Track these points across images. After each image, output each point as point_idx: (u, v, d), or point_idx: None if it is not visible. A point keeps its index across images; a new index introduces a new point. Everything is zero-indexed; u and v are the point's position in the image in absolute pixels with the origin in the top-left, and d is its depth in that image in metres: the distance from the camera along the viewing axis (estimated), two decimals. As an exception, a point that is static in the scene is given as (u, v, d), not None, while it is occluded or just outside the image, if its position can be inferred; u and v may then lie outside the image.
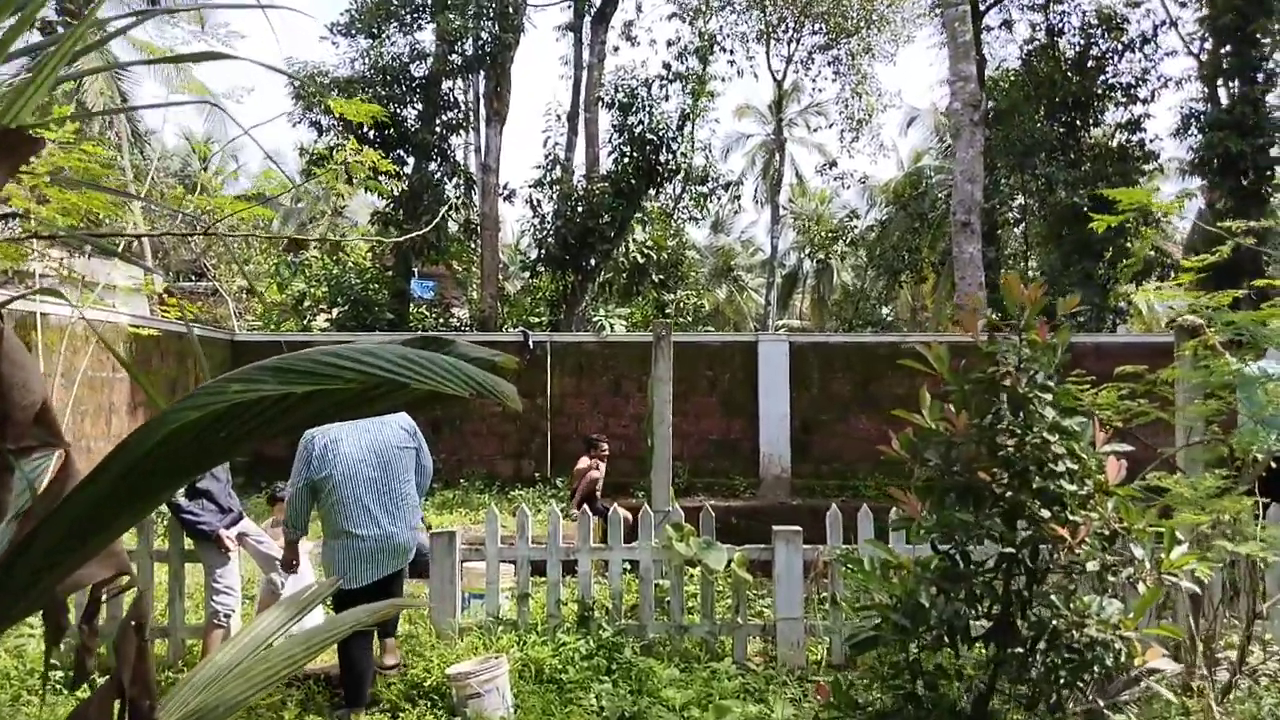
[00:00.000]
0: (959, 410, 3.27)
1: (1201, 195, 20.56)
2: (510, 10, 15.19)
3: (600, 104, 15.21)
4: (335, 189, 17.45)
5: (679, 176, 15.88)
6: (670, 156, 14.62)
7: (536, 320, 16.39)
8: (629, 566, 5.80)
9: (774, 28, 27.96)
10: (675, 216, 18.95)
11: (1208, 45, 19.76)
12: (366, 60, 15.80)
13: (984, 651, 3.29)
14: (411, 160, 16.31)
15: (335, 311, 16.14)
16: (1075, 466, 3.09)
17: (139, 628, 1.29)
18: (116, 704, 1.29)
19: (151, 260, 23.40)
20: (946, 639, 3.23)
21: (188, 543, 5.44)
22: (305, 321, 16.89)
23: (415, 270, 20.83)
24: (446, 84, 16.09)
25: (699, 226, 33.85)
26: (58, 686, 4.88)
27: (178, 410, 1.14)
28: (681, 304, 17.72)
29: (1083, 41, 20.52)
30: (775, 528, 5.45)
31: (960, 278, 13.62)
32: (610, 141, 15.01)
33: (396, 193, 14.21)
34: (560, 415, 13.01)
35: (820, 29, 27.98)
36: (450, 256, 17.05)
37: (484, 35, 15.12)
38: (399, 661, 5.12)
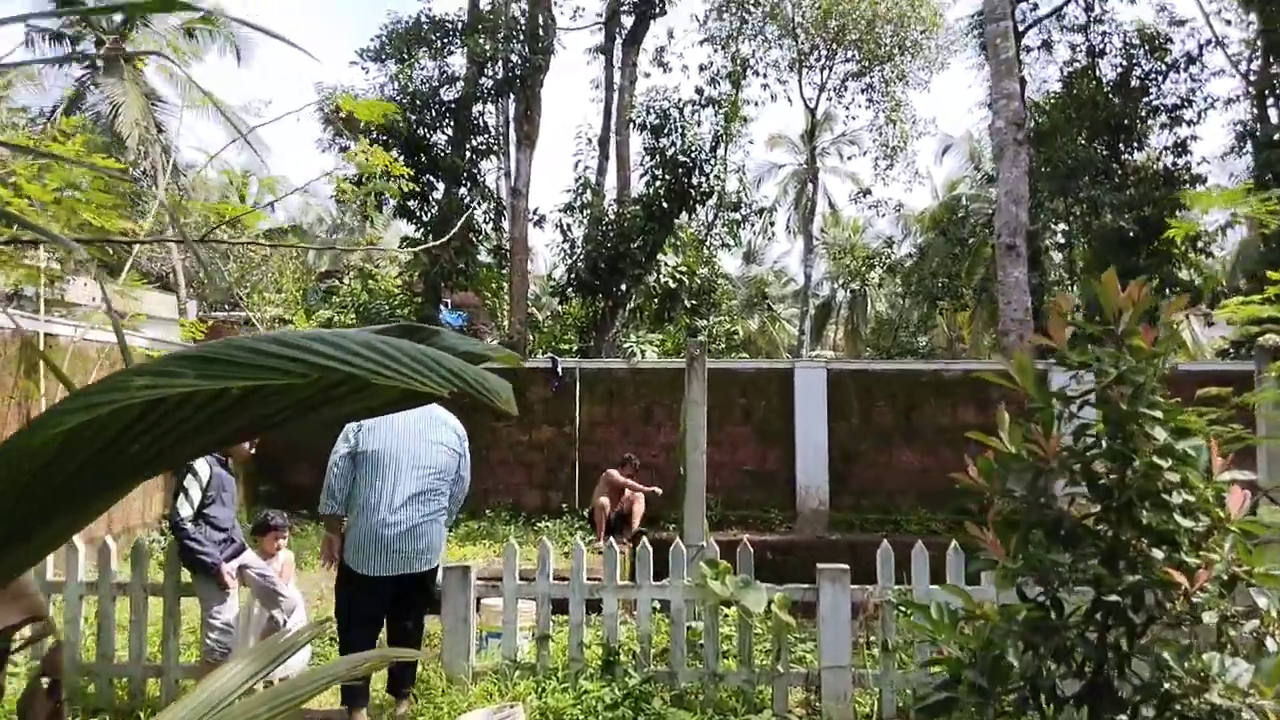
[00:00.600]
0: (1047, 432, 2.80)
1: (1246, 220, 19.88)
2: (540, 32, 14.97)
3: (631, 126, 14.90)
4: (366, 213, 17.22)
5: (712, 200, 15.52)
6: (703, 179, 14.26)
7: (566, 347, 16.02)
8: (658, 606, 5.32)
9: (806, 55, 27.70)
10: (708, 244, 18.56)
11: (1254, 64, 19.19)
12: (396, 84, 15.62)
13: (1076, 717, 2.79)
14: (441, 185, 16.08)
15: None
16: (1191, 498, 2.60)
17: (52, 687, 1.12)
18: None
19: (185, 291, 23.37)
20: (1032, 701, 2.75)
21: (185, 574, 5.06)
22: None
23: (447, 301, 20.60)
24: (476, 108, 15.87)
25: (731, 255, 33.52)
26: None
27: (57, 416, 0.78)
28: (714, 331, 17.28)
29: (1124, 63, 20.00)
30: (820, 565, 4.96)
31: (1005, 303, 13.08)
32: (642, 164, 14.68)
33: (413, 193, 13.93)
34: (589, 444, 12.58)
35: (853, 56, 27.69)
36: (479, 283, 16.75)
37: (514, 58, 14.89)
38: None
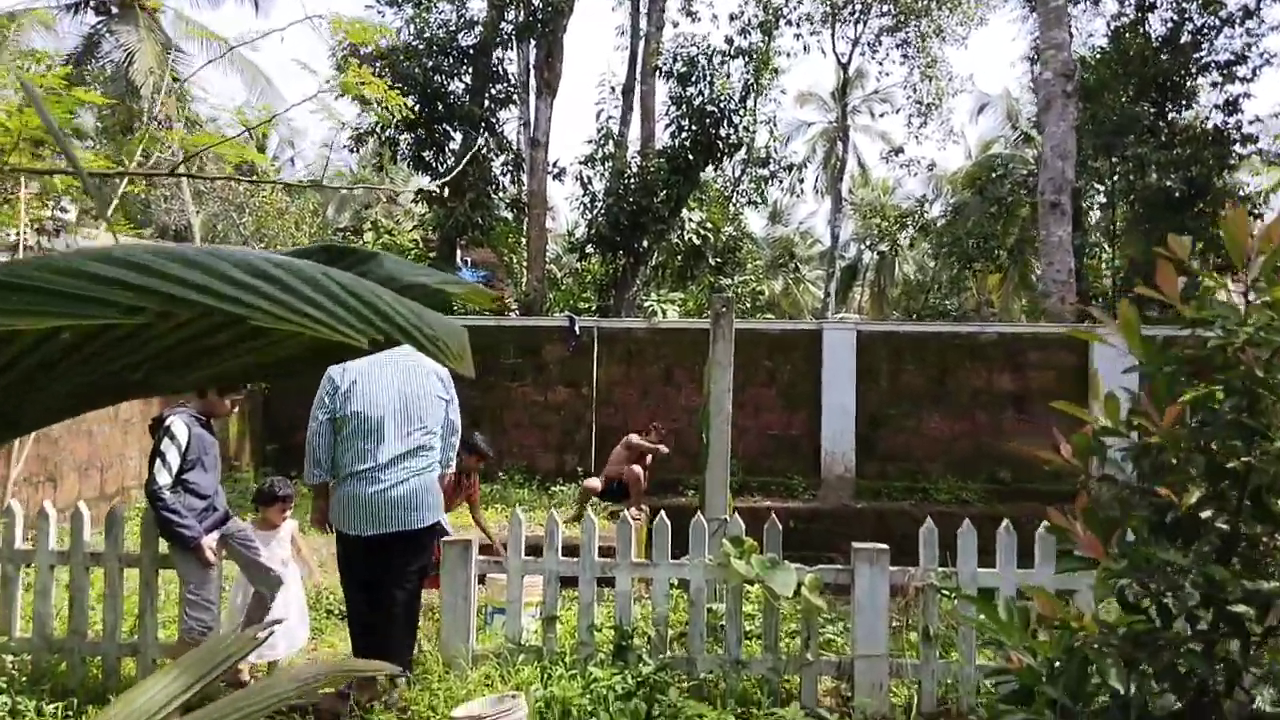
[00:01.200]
0: (1159, 403, 2.28)
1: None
2: (564, -27, 14.32)
3: (658, 74, 14.25)
4: (381, 163, 16.57)
5: (739, 155, 14.89)
6: (731, 131, 13.62)
7: (585, 306, 15.51)
8: (676, 585, 4.86)
9: (839, 9, 26.77)
10: (734, 201, 17.94)
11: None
12: (411, 29, 15.02)
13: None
14: (458, 135, 15.53)
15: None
16: (1343, 488, 2.09)
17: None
18: None
19: (200, 244, 23.00)
20: (1124, 724, 2.27)
21: (163, 545, 4.65)
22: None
23: (467, 259, 20.11)
24: (496, 55, 15.25)
25: (758, 214, 32.82)
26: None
27: None
28: (739, 290, 16.71)
29: (1175, 17, 19.03)
30: (856, 545, 4.47)
31: (1048, 263, 12.46)
32: (668, 114, 14.06)
33: (428, 141, 13.39)
34: (607, 406, 12.12)
35: (888, 10, 26.77)
36: (496, 238, 16.26)
37: (535, 1, 14.24)
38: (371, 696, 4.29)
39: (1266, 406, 2.16)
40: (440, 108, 14.88)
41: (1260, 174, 21.19)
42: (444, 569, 4.54)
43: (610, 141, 14.70)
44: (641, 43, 15.46)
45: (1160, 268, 2.41)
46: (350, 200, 36.17)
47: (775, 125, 15.84)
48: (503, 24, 14.91)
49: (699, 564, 4.46)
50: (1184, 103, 18.85)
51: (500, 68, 15.35)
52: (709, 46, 13.82)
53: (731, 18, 16.64)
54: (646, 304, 14.73)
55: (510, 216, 16.56)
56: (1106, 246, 19.79)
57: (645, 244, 14.00)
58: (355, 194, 37.63)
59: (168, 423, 4.41)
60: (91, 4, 23.57)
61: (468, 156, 10.87)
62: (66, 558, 4.78)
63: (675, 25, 15.91)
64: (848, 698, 4.46)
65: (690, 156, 13.56)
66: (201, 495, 4.45)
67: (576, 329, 11.94)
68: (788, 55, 18.10)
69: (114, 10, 23.70)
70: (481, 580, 4.99)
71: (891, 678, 4.46)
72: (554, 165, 15.37)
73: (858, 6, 26.88)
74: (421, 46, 14.89)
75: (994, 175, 21.26)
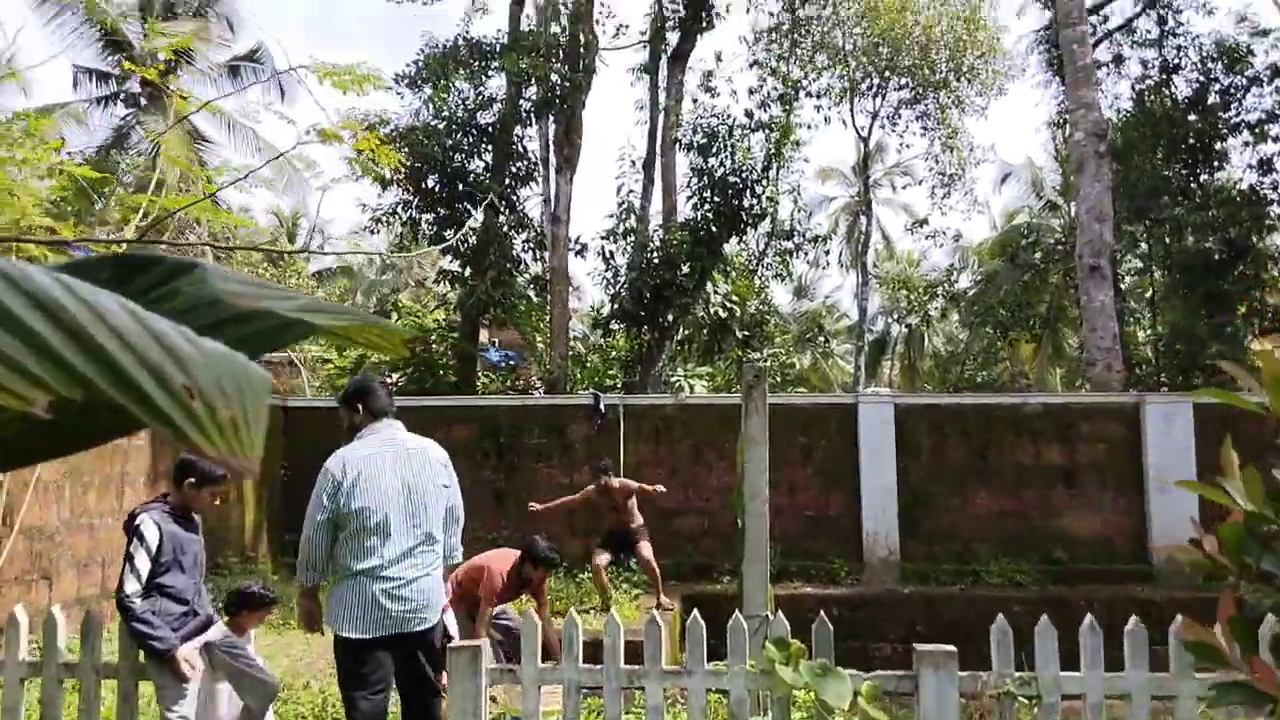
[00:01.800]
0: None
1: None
2: (582, 51, 14.25)
3: (678, 146, 14.07)
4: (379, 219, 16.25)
5: (764, 226, 14.59)
6: (755, 201, 13.33)
7: (610, 382, 15.12)
8: (713, 693, 4.30)
9: (858, 83, 26.84)
10: (759, 274, 17.61)
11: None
12: (430, 108, 14.99)
13: None
14: (479, 214, 15.37)
15: (396, 376, 15.11)
16: None
17: None
18: None
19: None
20: None
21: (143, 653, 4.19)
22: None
23: (494, 340, 19.85)
24: (515, 132, 15.17)
25: (784, 288, 32.57)
26: None
27: None
28: (769, 364, 16.25)
29: (1201, 78, 18.75)
30: (919, 647, 3.92)
31: (1090, 329, 11.94)
32: (689, 186, 13.82)
33: (449, 221, 13.16)
34: (634, 487, 11.60)
35: (906, 84, 26.81)
36: (518, 316, 15.98)
37: (554, 78, 14.17)
38: None
39: None
40: (460, 186, 14.75)
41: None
42: (450, 678, 4.03)
43: (632, 215, 14.47)
44: (661, 116, 15.34)
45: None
46: (378, 286, 36.33)
47: (799, 195, 15.55)
48: (521, 101, 14.84)
49: (740, 671, 3.92)
50: (1216, 164, 18.46)
51: (520, 145, 15.26)
52: (730, 117, 13.65)
53: (751, 91, 16.53)
54: (673, 379, 14.31)
55: (532, 294, 16.31)
56: (1144, 313, 19.23)
57: (670, 318, 13.64)
58: (384, 279, 37.85)
59: (137, 523, 4.00)
60: (121, 97, 24.03)
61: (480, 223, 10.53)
62: (38, 669, 4.31)
63: (695, 101, 15.80)
64: (915, 825, 3.86)
65: (713, 228, 13.27)
66: (179, 600, 4.00)
67: (602, 406, 11.52)
68: (808, 128, 17.94)
69: (142, 102, 24.11)
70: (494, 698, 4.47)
71: (965, 801, 3.87)
72: (575, 241, 15.15)
73: (875, 81, 26.93)
74: (441, 126, 14.83)
75: (1025, 241, 20.85)
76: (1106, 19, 19.68)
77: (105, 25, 20.45)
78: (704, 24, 14.73)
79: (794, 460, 11.31)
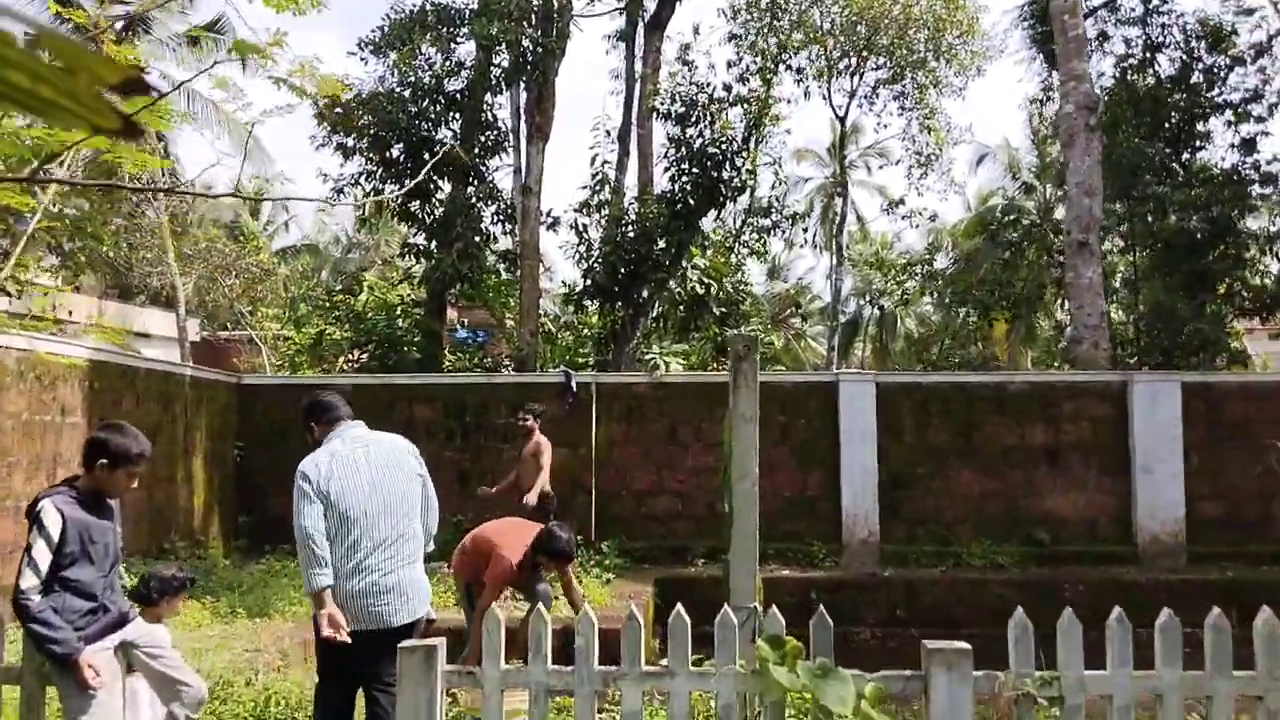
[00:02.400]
0: None
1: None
2: (555, 15, 13.65)
3: (655, 116, 13.53)
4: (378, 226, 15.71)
5: (742, 201, 14.12)
6: (734, 174, 12.84)
7: (582, 361, 14.61)
8: (698, 697, 3.87)
9: (835, 62, 26.39)
10: (735, 252, 17.17)
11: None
12: (396, 75, 14.36)
13: None
14: (447, 185, 14.80)
15: (358, 354, 14.55)
16: None
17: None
18: None
19: (184, 310, 22.25)
20: None
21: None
22: (325, 366, 15.34)
23: (463, 320, 19.25)
24: (485, 100, 14.57)
25: (759, 268, 32.20)
26: None
27: None
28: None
29: (1185, 56, 18.48)
30: (930, 644, 3.49)
31: (1077, 306, 11.61)
32: (666, 157, 13.29)
33: (415, 192, 12.55)
34: (607, 468, 11.17)
35: (884, 63, 26.42)
36: (486, 291, 15.42)
37: (525, 43, 13.56)
38: None
39: None
40: (426, 157, 14.15)
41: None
42: (401, 681, 3.55)
43: (606, 187, 13.92)
44: (638, 85, 14.80)
45: None
46: (345, 264, 35.50)
47: (780, 167, 15.06)
48: (491, 68, 14.24)
49: (729, 673, 3.48)
50: (1198, 143, 18.22)
51: (489, 113, 14.66)
52: (710, 85, 13.13)
53: (729, 64, 16.03)
54: (648, 357, 13.84)
55: (502, 269, 15.76)
56: (1124, 293, 18.99)
57: (645, 294, 13.15)
58: (350, 258, 37.01)
59: (38, 510, 3.48)
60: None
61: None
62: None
63: (672, 75, 15.29)
64: (922, 842, 3.45)
65: (691, 200, 12.78)
66: (85, 594, 3.49)
67: (573, 385, 11.05)
68: (788, 102, 17.55)
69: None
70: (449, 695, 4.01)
71: (978, 815, 3.46)
72: (547, 214, 14.60)
73: (853, 60, 26.50)
74: (406, 93, 14.21)
75: (1005, 219, 20.53)
76: (1091, -5, 19.32)
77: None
78: (682, -11, 14.18)
79: (772, 441, 10.88)
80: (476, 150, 14.51)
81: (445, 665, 3.54)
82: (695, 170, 12.70)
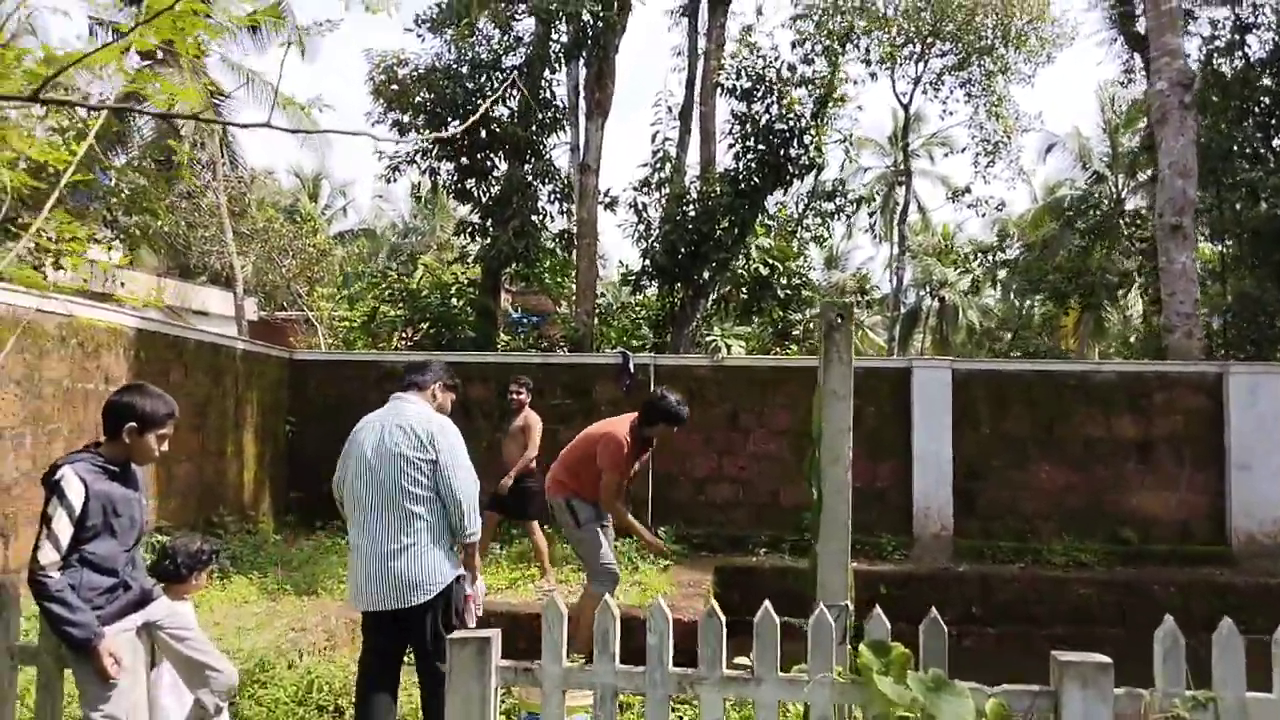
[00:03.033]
0: None
1: None
2: (617, -13, 13.22)
3: (719, 92, 13.00)
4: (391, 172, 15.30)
5: (809, 178, 13.52)
6: (802, 151, 12.28)
7: (639, 342, 14.18)
8: (788, 708, 3.41)
9: (899, 49, 25.58)
10: (798, 235, 16.60)
11: None
12: (453, 51, 14.02)
13: None
14: (503, 163, 14.45)
15: (411, 331, 14.28)
16: None
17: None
18: None
19: (242, 289, 22.28)
20: None
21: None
22: (381, 345, 15.11)
23: (518, 306, 18.94)
24: (544, 76, 14.18)
25: (817, 256, 31.56)
26: None
27: None
28: (809, 327, 15.26)
29: (1277, 38, 17.49)
30: (1062, 657, 2.99)
31: (1169, 294, 10.89)
32: (730, 134, 12.75)
33: (471, 169, 12.13)
34: (664, 452, 10.68)
35: (950, 50, 25.55)
36: (542, 272, 15.04)
37: (586, 16, 13.13)
38: None
39: None
40: (483, 133, 13.80)
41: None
42: (452, 678, 3.15)
43: (667, 165, 13.45)
44: (700, 61, 14.27)
45: None
46: (401, 248, 35.51)
47: (851, 144, 14.42)
48: (550, 42, 13.84)
49: (824, 681, 3.02)
50: (1289, 127, 17.22)
51: (548, 89, 14.26)
52: (778, 58, 12.56)
53: (793, 45, 15.40)
54: (709, 339, 13.35)
55: (558, 250, 15.38)
56: (1210, 283, 18.09)
57: (706, 275, 12.65)
58: (406, 242, 37.00)
59: (57, 477, 3.14)
60: (137, 50, 23.22)
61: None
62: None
63: (735, 55, 14.73)
64: None
65: (756, 179, 12.24)
66: (106, 570, 3.15)
67: (631, 366, 10.63)
68: (855, 83, 16.85)
69: (159, 54, 23.27)
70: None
71: None
72: (605, 193, 14.17)
73: (918, 47, 25.69)
74: (464, 69, 13.87)
75: (1084, 206, 19.66)
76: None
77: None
78: (749, -40, 13.61)
79: (841, 428, 10.39)
80: (534, 127, 14.13)
81: (500, 660, 3.14)
82: (761, 147, 12.16)
